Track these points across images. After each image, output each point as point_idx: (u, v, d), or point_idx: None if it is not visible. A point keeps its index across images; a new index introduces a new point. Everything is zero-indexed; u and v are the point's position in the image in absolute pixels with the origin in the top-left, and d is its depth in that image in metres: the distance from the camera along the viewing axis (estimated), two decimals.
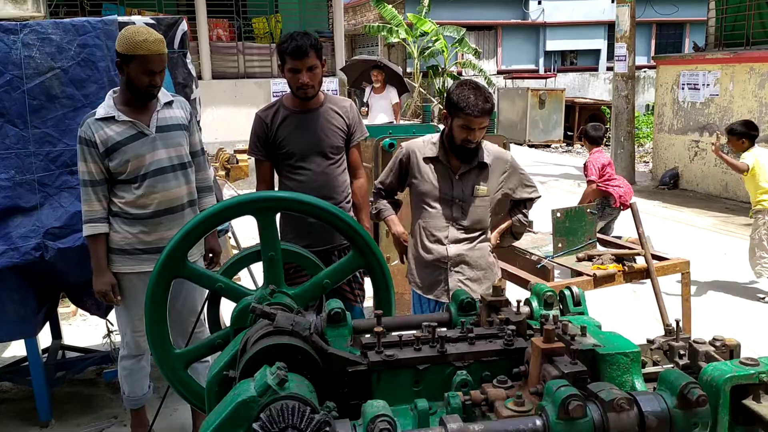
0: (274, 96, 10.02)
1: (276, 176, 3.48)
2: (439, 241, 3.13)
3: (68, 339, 4.62)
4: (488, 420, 1.33)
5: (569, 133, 17.04)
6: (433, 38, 19.21)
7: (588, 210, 3.97)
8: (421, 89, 20.24)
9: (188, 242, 2.08)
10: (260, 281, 2.20)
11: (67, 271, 3.46)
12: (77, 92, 3.36)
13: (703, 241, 7.54)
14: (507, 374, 1.46)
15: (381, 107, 9.66)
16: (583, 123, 17.44)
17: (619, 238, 5.22)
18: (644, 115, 18.88)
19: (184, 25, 3.72)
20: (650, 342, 1.68)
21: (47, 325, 4.11)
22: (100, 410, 3.84)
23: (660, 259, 3.86)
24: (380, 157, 4.37)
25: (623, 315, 5.03)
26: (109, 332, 3.98)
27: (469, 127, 2.94)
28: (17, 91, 3.26)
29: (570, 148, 16.54)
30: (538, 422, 1.18)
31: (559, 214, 3.92)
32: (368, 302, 3.25)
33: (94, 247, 3.07)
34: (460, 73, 20.87)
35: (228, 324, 2.08)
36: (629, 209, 4.01)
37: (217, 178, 4.71)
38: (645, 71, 20.68)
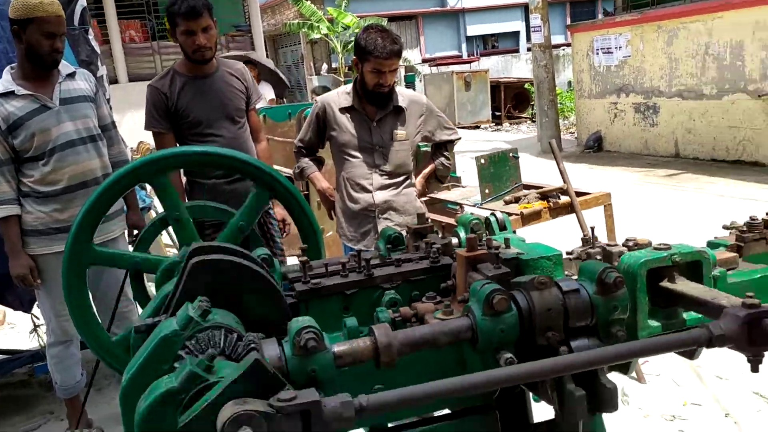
0: None
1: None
2: (364, 189, 3.13)
3: None
4: None
5: (497, 113, 17.36)
6: (355, 31, 19.23)
7: (511, 154, 4.05)
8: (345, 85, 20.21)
9: (91, 224, 1.90)
10: None
11: None
12: None
13: (627, 193, 7.82)
14: (435, 291, 1.45)
15: None
16: (509, 102, 17.86)
17: None
18: (567, 91, 19.35)
19: (83, 1, 3.60)
20: (569, 253, 1.70)
21: None
22: (35, 408, 3.70)
23: (583, 194, 3.97)
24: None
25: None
26: (36, 327, 3.82)
27: (379, 70, 2.95)
28: None
29: (499, 127, 16.84)
30: (465, 321, 1.19)
31: (483, 161, 3.98)
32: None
33: (6, 230, 2.95)
34: None
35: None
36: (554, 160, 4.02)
37: None
38: (563, 49, 21.20)
